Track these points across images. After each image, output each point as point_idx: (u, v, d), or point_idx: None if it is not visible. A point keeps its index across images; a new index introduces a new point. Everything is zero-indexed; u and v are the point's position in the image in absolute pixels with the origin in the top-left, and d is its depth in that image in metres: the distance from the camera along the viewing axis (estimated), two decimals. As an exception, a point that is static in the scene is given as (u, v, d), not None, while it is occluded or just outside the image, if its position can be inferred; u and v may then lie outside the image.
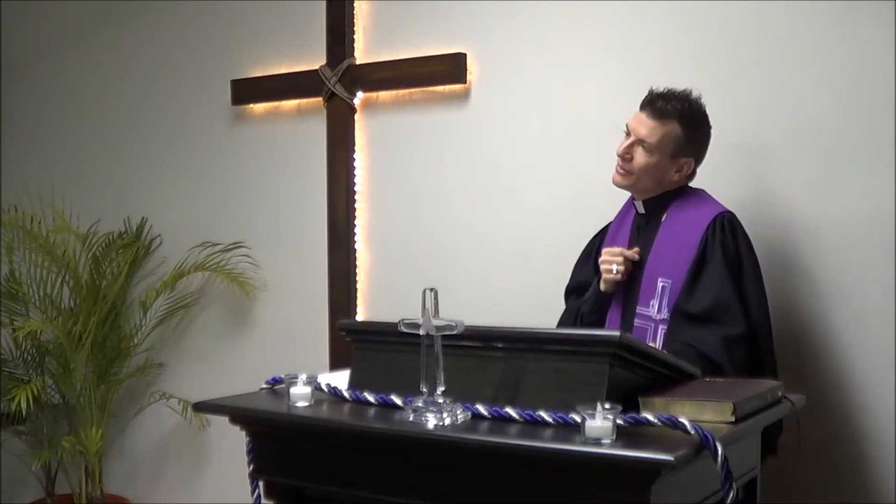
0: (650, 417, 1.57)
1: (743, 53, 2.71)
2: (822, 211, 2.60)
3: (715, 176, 2.54)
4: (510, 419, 1.67)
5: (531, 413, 1.65)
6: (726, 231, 2.33)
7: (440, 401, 1.69)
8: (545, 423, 1.63)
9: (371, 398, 1.87)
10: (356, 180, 3.42)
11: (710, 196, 2.46)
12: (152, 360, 3.91)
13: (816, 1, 2.60)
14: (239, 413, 1.97)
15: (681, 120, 2.37)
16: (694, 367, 1.97)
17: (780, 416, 1.94)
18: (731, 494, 1.54)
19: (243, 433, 2.00)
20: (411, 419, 1.70)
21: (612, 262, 2.41)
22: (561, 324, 2.59)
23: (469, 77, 3.17)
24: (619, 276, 2.40)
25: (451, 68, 3.17)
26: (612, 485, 1.51)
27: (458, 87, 3.19)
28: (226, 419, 2.00)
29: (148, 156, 3.96)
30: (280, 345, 3.60)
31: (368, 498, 1.81)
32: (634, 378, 1.75)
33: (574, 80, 3.00)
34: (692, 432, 1.52)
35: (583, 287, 2.59)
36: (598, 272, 2.50)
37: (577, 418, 1.55)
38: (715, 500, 1.67)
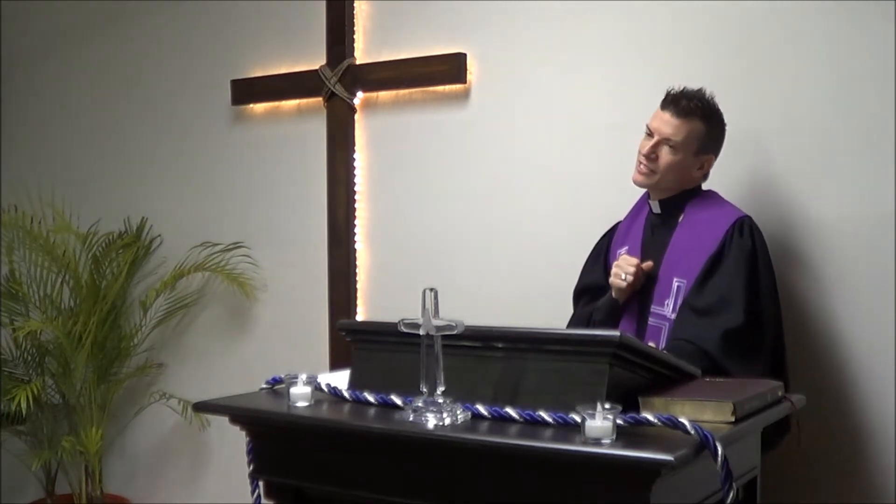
0: (650, 417, 1.57)
1: (743, 53, 2.71)
2: (822, 210, 2.60)
3: (715, 175, 2.53)
4: (510, 419, 1.67)
5: (531, 413, 1.65)
6: (745, 234, 2.35)
7: (440, 401, 1.69)
8: (545, 423, 1.63)
9: (371, 398, 1.87)
10: (356, 180, 3.42)
11: (724, 199, 2.48)
12: (152, 360, 3.91)
13: (816, 1, 2.60)
14: (239, 413, 1.97)
15: (703, 117, 2.40)
16: (694, 367, 1.97)
17: (780, 416, 1.94)
18: (731, 494, 1.54)
19: (243, 433, 2.00)
20: (411, 419, 1.70)
21: (624, 270, 2.40)
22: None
23: (469, 77, 3.17)
24: (626, 284, 2.39)
25: (451, 68, 3.17)
26: (612, 485, 1.51)
27: (458, 87, 3.19)
28: (226, 419, 2.00)
29: (148, 156, 3.96)
30: (280, 345, 3.60)
31: (368, 498, 1.81)
32: (634, 378, 1.75)
33: (574, 79, 3.00)
34: (692, 432, 1.52)
35: (592, 289, 2.59)
36: (608, 276, 2.51)
37: (577, 418, 1.55)
38: (715, 500, 1.67)
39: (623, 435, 1.52)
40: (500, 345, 1.79)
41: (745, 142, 2.69)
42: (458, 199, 3.23)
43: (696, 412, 1.67)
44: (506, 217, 3.13)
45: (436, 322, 1.68)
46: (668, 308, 2.36)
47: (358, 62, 3.38)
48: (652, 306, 2.39)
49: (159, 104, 3.93)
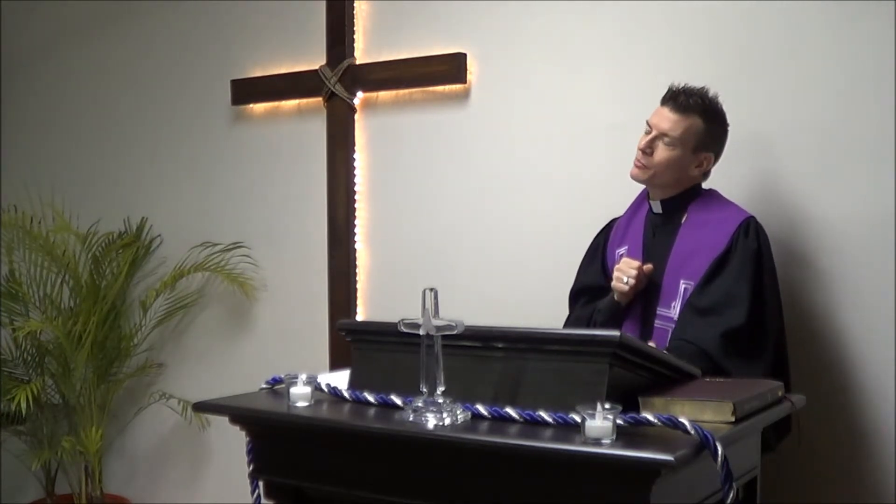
0: (650, 417, 1.57)
1: (742, 53, 2.71)
2: (822, 210, 2.60)
3: (719, 175, 2.53)
4: (510, 419, 1.67)
5: (531, 413, 1.65)
6: (750, 235, 2.34)
7: (440, 401, 1.69)
8: (545, 423, 1.63)
9: (371, 398, 1.87)
10: (356, 180, 3.42)
11: (727, 198, 2.46)
12: (152, 360, 3.91)
13: (816, 1, 2.60)
14: (239, 413, 1.97)
15: (703, 114, 2.39)
16: (694, 367, 1.97)
17: (780, 416, 1.94)
18: (731, 494, 1.54)
19: (243, 433, 2.00)
20: (411, 419, 1.70)
21: (626, 273, 2.38)
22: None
23: (469, 77, 3.17)
24: (628, 288, 2.37)
25: (451, 68, 3.17)
26: (612, 485, 1.51)
27: (458, 87, 3.19)
28: (226, 419, 2.00)
29: (148, 156, 3.96)
30: (280, 345, 3.60)
31: (368, 498, 1.81)
32: (634, 378, 1.75)
33: (574, 79, 3.00)
34: (692, 432, 1.52)
35: (590, 289, 2.57)
36: (608, 276, 2.50)
37: (577, 418, 1.55)
38: (715, 500, 1.67)
39: (623, 435, 1.53)
40: (500, 345, 1.79)
41: (746, 142, 2.69)
42: (458, 199, 3.23)
43: (696, 412, 1.67)
44: (506, 217, 3.13)
45: (436, 322, 1.68)
46: (674, 310, 2.34)
47: (358, 62, 3.38)
48: (658, 308, 2.37)
49: (159, 104, 3.93)
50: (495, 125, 3.15)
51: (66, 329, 3.65)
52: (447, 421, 1.67)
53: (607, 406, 1.52)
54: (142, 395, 3.91)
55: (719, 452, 1.51)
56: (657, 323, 2.37)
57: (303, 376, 1.90)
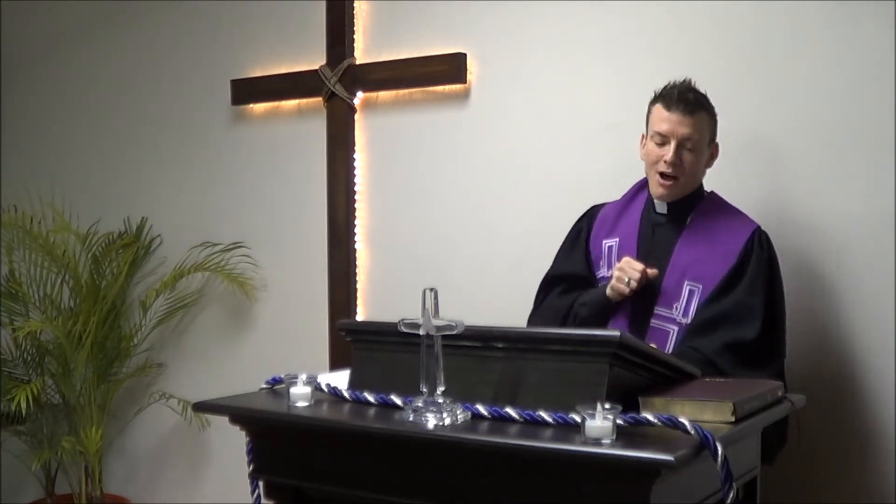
0: (650, 417, 1.57)
1: (742, 54, 2.71)
2: (822, 210, 2.60)
3: (715, 176, 2.53)
4: (510, 419, 1.67)
5: (531, 413, 1.65)
6: (764, 246, 2.32)
7: (440, 401, 1.69)
8: (545, 423, 1.63)
9: (371, 398, 1.87)
10: (356, 180, 3.42)
11: (729, 203, 2.44)
12: (152, 360, 3.91)
13: (817, 1, 2.60)
14: (239, 413, 1.97)
15: (706, 107, 2.36)
16: (694, 368, 1.97)
17: (780, 415, 1.94)
18: (731, 494, 1.54)
19: (243, 433, 2.00)
20: (411, 419, 1.70)
21: (629, 275, 2.29)
22: (543, 320, 2.48)
23: (469, 77, 3.17)
24: (630, 290, 2.30)
25: (451, 68, 3.17)
26: (612, 485, 1.51)
27: (458, 87, 3.19)
28: (226, 419, 2.00)
29: (148, 156, 3.96)
30: (280, 345, 3.60)
31: (368, 498, 1.81)
32: (634, 378, 1.75)
33: (574, 79, 3.00)
34: (692, 432, 1.52)
35: (569, 277, 2.50)
36: (590, 267, 2.46)
37: (577, 418, 1.55)
38: (715, 500, 1.67)
39: (623, 435, 1.52)
40: (500, 345, 1.79)
41: (746, 142, 2.69)
42: (457, 198, 3.23)
43: (696, 412, 1.67)
44: (506, 217, 3.13)
45: (436, 322, 1.68)
46: (676, 311, 2.30)
47: (358, 62, 3.38)
48: (656, 308, 2.33)
49: (159, 104, 3.93)
50: (495, 125, 3.15)
51: (66, 329, 3.65)
52: (447, 421, 1.67)
53: (607, 406, 1.52)
54: (142, 395, 3.91)
55: (719, 452, 1.51)
56: (654, 322, 2.33)
57: (303, 376, 1.90)
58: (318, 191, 3.47)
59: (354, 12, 3.41)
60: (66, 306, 3.80)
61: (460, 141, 3.22)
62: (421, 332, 1.69)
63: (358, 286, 3.42)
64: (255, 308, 3.69)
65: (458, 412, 1.69)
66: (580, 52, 2.98)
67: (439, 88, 3.24)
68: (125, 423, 3.96)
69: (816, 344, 2.60)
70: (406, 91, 3.30)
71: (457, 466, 1.68)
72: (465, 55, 3.16)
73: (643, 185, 2.50)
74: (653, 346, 2.21)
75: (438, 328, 1.68)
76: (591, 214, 2.58)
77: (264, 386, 2.09)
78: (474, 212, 3.19)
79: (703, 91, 2.38)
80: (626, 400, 1.63)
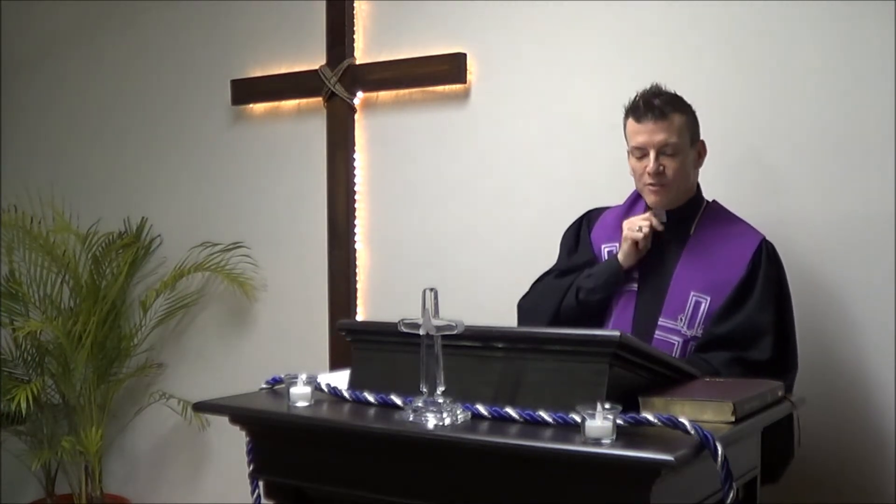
0: (650, 417, 1.57)
1: (742, 54, 2.71)
2: (822, 211, 2.60)
3: (714, 177, 2.53)
4: (510, 419, 1.67)
5: (531, 413, 1.65)
6: (772, 260, 2.29)
7: (440, 401, 1.69)
8: (545, 423, 1.63)
9: (371, 398, 1.87)
10: (356, 180, 3.42)
11: (731, 211, 2.41)
12: (152, 360, 3.91)
13: (816, 1, 2.60)
14: (239, 413, 1.97)
15: (679, 108, 2.31)
16: (694, 368, 1.97)
17: (780, 415, 1.93)
18: (731, 494, 1.54)
19: (243, 433, 2.00)
20: (411, 419, 1.70)
21: (639, 224, 2.28)
22: (541, 298, 2.46)
23: (469, 77, 3.17)
24: (643, 235, 2.28)
25: (451, 68, 3.17)
26: (612, 485, 1.51)
27: (458, 87, 3.19)
28: (226, 419, 2.00)
29: (148, 156, 3.97)
30: (280, 345, 3.60)
31: (368, 498, 1.81)
32: (634, 378, 1.75)
33: (574, 80, 3.00)
34: (692, 432, 1.52)
35: (575, 269, 2.47)
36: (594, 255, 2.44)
37: (577, 418, 1.55)
38: (715, 500, 1.67)
39: (623, 435, 1.52)
40: (500, 345, 1.79)
41: (743, 143, 2.70)
42: (457, 198, 3.23)
43: (696, 412, 1.67)
44: (506, 217, 3.13)
45: (436, 322, 1.68)
46: (681, 323, 2.27)
47: (358, 62, 3.38)
48: (660, 319, 2.29)
49: (159, 104, 3.93)
50: (495, 125, 3.15)
51: (66, 329, 3.65)
52: (447, 421, 1.67)
53: (607, 406, 1.52)
54: (142, 395, 3.91)
55: (719, 452, 1.51)
56: (658, 334, 2.28)
57: (303, 376, 1.90)
58: (318, 191, 3.47)
59: (354, 12, 3.41)
60: (66, 306, 3.81)
61: (460, 141, 3.22)
62: (421, 332, 1.69)
63: (358, 286, 3.42)
64: (255, 308, 3.69)
65: (458, 412, 1.69)
66: (580, 52, 2.98)
67: (439, 88, 3.24)
68: (125, 423, 3.96)
69: (816, 345, 2.60)
70: (406, 91, 3.31)
71: (457, 466, 1.68)
72: (465, 55, 3.16)
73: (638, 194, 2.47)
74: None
75: (438, 328, 1.68)
76: (588, 217, 2.56)
77: (264, 386, 2.09)
78: (474, 212, 3.19)
79: (672, 91, 2.33)
80: (626, 400, 1.63)
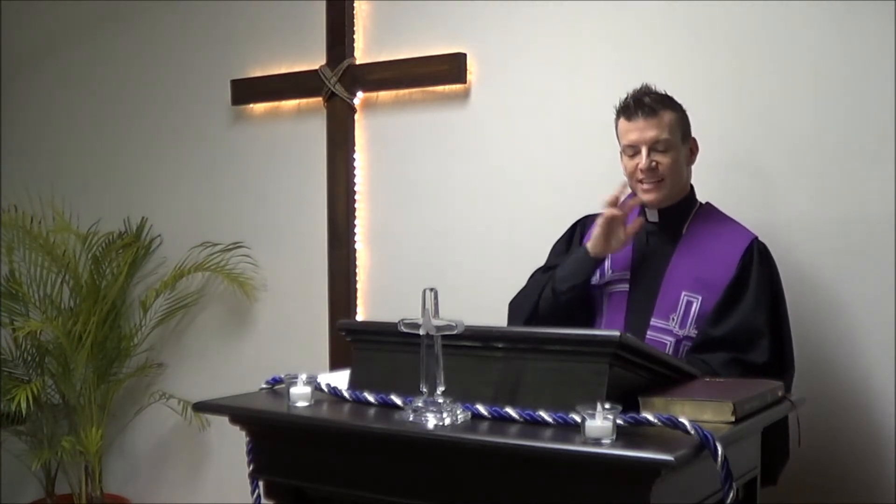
0: (650, 417, 1.57)
1: (742, 53, 2.71)
2: (822, 211, 2.60)
3: (713, 178, 2.53)
4: (510, 419, 1.67)
5: (531, 413, 1.65)
6: (764, 259, 2.29)
7: (440, 401, 1.69)
8: (545, 423, 1.63)
9: (371, 398, 1.87)
10: (356, 180, 3.42)
11: (723, 212, 2.41)
12: (152, 360, 3.91)
13: (815, 1, 2.60)
14: (239, 413, 1.97)
15: (669, 105, 2.32)
16: (694, 368, 1.97)
17: (780, 415, 1.93)
18: (731, 494, 1.54)
19: (243, 433, 2.00)
20: (411, 419, 1.70)
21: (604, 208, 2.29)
22: (524, 295, 2.46)
23: (469, 77, 3.17)
24: (609, 215, 2.27)
25: (451, 68, 3.17)
26: (612, 485, 1.51)
27: (458, 87, 3.19)
28: (226, 419, 2.00)
29: (148, 156, 3.97)
30: (280, 345, 3.60)
31: (368, 498, 1.81)
32: (634, 378, 1.75)
33: (574, 79, 3.00)
34: (692, 432, 1.52)
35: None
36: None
37: (577, 418, 1.55)
38: (715, 500, 1.67)
39: (623, 435, 1.52)
40: (500, 345, 1.79)
41: (743, 143, 2.70)
42: (458, 198, 3.23)
43: (696, 412, 1.67)
44: (506, 217, 3.13)
45: (436, 322, 1.68)
46: (673, 323, 2.27)
47: (358, 62, 3.38)
48: (652, 319, 2.29)
49: (159, 104, 3.93)
50: (495, 125, 3.15)
51: (66, 329, 3.65)
52: (447, 421, 1.67)
53: (607, 406, 1.52)
54: (142, 395, 3.91)
55: (719, 452, 1.51)
56: (651, 334, 2.28)
57: (303, 376, 1.90)
58: (318, 191, 3.47)
59: (354, 12, 3.41)
60: (66, 306, 3.81)
61: (460, 141, 3.22)
62: (421, 332, 1.69)
63: (358, 286, 3.42)
64: (255, 308, 3.69)
65: (458, 412, 1.69)
66: (580, 52, 2.98)
67: (439, 88, 3.24)
68: (125, 423, 3.96)
69: (817, 344, 2.60)
70: (406, 91, 3.31)
71: (457, 466, 1.68)
72: (465, 55, 3.16)
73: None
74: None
75: (438, 328, 1.68)
76: (583, 223, 2.55)
77: (264, 386, 2.08)
78: (474, 211, 3.19)
79: (662, 91, 2.34)
80: (626, 400, 1.63)
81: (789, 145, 2.65)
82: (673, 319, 2.28)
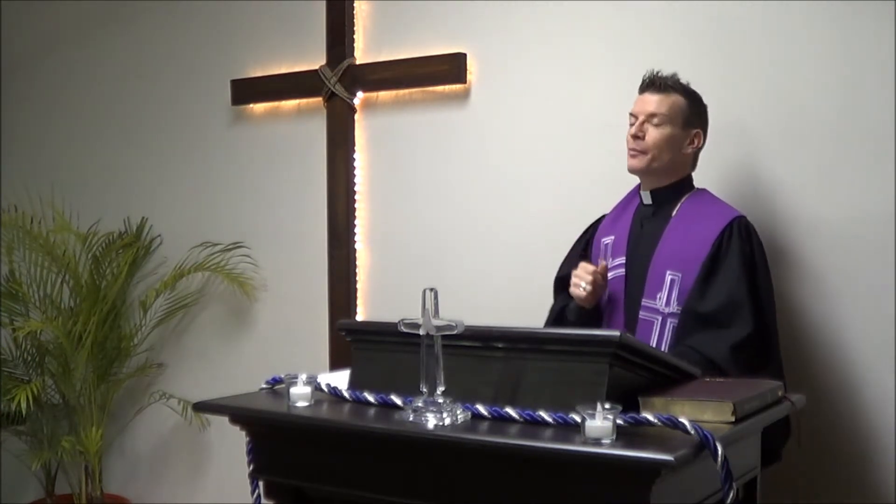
0: (650, 417, 1.57)
1: (742, 53, 2.71)
2: (822, 209, 2.60)
3: (714, 174, 2.53)
4: (510, 419, 1.67)
5: (531, 413, 1.65)
6: (743, 234, 2.33)
7: (440, 401, 1.69)
8: (545, 423, 1.63)
9: (371, 398, 1.87)
10: (356, 180, 3.42)
11: (718, 197, 2.46)
12: (152, 360, 3.91)
13: (816, 1, 2.60)
14: (239, 413, 1.97)
15: (683, 92, 2.43)
16: (694, 368, 1.97)
17: (780, 415, 1.94)
18: (731, 494, 1.54)
19: (243, 433, 2.00)
20: (411, 419, 1.70)
21: (582, 279, 2.40)
22: (546, 323, 2.58)
23: (469, 77, 3.17)
24: (586, 294, 2.38)
25: (451, 68, 3.17)
26: (612, 485, 1.51)
27: (458, 87, 3.19)
28: (226, 419, 2.00)
29: (148, 156, 3.97)
30: (280, 345, 3.60)
31: (368, 498, 1.81)
32: (634, 378, 1.75)
33: (574, 79, 3.00)
34: (692, 432, 1.52)
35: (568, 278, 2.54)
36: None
37: (577, 418, 1.55)
38: (715, 500, 1.67)
39: (623, 435, 1.52)
40: (500, 345, 1.79)
41: (743, 142, 2.70)
42: (458, 199, 3.23)
43: (696, 412, 1.67)
44: (506, 217, 3.13)
45: (436, 322, 1.68)
46: (660, 301, 2.33)
47: (358, 62, 3.38)
48: (642, 300, 2.36)
49: (159, 104, 3.93)
50: (495, 125, 3.15)
51: (66, 329, 3.66)
52: (447, 421, 1.67)
53: (607, 406, 1.52)
54: (142, 395, 3.91)
55: (719, 452, 1.51)
56: (642, 314, 2.36)
57: (303, 376, 1.90)
58: (318, 191, 3.47)
59: (354, 12, 3.41)
60: (66, 306, 3.81)
61: (460, 141, 3.22)
62: (421, 332, 1.69)
63: (358, 286, 3.42)
64: (255, 308, 3.69)
65: (458, 412, 1.69)
66: (580, 52, 2.98)
67: (439, 88, 3.24)
68: (125, 423, 3.96)
69: (816, 344, 2.60)
70: (406, 91, 3.31)
71: (457, 466, 1.68)
72: (465, 55, 3.16)
73: (639, 187, 2.53)
74: (651, 345, 2.22)
75: (438, 328, 1.68)
76: (597, 222, 2.64)
77: (264, 386, 2.08)
78: (474, 211, 3.19)
79: (689, 86, 2.45)
80: (626, 400, 1.63)
81: (789, 145, 2.64)
82: (659, 298, 2.34)
